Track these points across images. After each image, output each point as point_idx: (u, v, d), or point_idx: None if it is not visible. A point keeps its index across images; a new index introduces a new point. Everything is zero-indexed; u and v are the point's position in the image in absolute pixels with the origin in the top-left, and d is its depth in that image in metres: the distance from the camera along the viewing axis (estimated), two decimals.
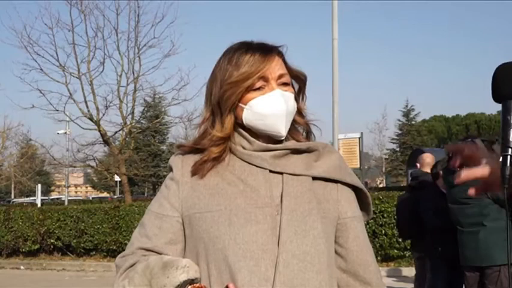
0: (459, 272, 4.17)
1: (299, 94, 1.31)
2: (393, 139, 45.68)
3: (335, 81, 9.79)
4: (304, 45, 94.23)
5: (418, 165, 5.44)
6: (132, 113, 14.37)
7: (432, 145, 47.87)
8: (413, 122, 46.98)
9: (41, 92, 13.65)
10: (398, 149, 45.53)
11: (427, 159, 5.29)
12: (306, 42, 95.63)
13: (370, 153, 39.63)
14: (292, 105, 1.25)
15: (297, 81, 1.30)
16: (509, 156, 0.97)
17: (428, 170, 5.04)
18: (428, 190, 4.74)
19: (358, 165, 10.99)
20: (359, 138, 11.03)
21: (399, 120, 46.25)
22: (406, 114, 46.49)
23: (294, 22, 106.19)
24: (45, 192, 41.98)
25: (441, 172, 4.45)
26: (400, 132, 45.99)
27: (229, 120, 1.23)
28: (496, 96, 1.02)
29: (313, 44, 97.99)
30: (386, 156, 43.77)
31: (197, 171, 1.22)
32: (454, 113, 65.10)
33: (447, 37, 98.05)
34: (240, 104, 1.23)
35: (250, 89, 1.21)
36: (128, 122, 14.15)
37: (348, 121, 68.86)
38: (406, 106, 46.30)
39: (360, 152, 10.93)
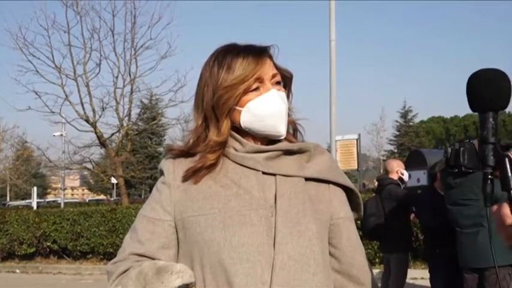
0: (458, 273, 4.16)
1: (287, 93, 1.30)
2: (391, 140, 45.85)
3: (332, 83, 9.76)
4: (302, 46, 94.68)
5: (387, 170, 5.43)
6: (129, 114, 14.37)
7: (430, 146, 48.01)
8: (411, 123, 47.14)
9: (36, 94, 13.64)
10: (396, 150, 45.67)
11: (393, 164, 5.29)
12: (303, 44, 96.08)
13: (367, 155, 39.75)
14: (287, 103, 1.25)
15: (284, 80, 1.28)
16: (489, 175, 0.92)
17: (392, 176, 5.07)
18: (425, 191, 4.73)
19: (356, 167, 10.98)
20: (357, 139, 11.00)
21: (397, 121, 46.44)
22: (404, 115, 46.63)
23: (291, 23, 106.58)
24: (41, 194, 41.89)
25: (439, 174, 4.43)
26: (398, 133, 46.14)
27: (225, 125, 1.21)
28: (473, 108, 0.96)
29: (311, 45, 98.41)
30: (384, 158, 43.84)
31: (190, 178, 1.20)
32: (453, 114, 65.43)
33: (445, 38, 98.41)
34: (237, 107, 1.21)
35: (247, 90, 1.20)
36: (125, 124, 14.12)
37: (346, 122, 69.32)
38: (404, 107, 46.51)
39: (358, 153, 10.91)
